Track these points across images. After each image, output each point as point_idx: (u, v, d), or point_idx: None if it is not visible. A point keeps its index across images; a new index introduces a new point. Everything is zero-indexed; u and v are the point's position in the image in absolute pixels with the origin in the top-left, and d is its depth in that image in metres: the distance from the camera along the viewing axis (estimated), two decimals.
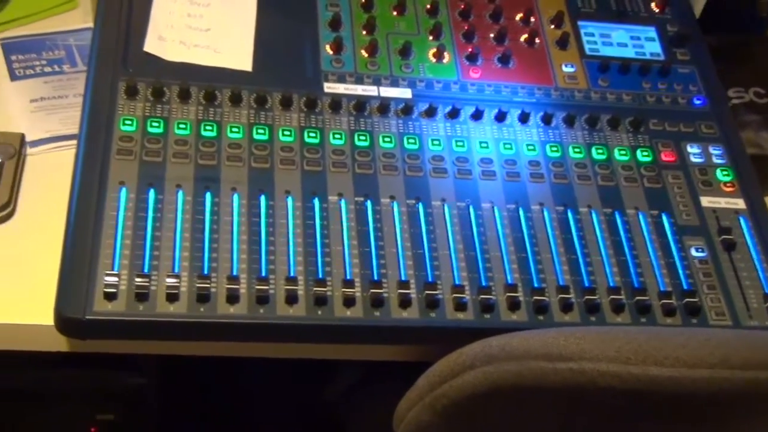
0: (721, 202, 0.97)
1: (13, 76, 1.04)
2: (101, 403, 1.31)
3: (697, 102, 1.06)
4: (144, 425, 1.32)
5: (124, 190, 0.84)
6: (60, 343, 0.82)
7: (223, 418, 1.32)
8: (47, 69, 1.05)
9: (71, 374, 1.17)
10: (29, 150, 0.97)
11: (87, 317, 0.76)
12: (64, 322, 0.77)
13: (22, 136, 0.95)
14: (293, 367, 0.99)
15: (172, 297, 0.79)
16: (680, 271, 0.91)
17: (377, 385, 1.16)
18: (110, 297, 0.78)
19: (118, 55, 0.94)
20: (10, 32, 1.08)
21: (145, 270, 0.80)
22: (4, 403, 1.16)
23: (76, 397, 1.28)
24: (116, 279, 0.78)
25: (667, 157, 1.00)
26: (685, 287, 0.89)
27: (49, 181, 0.93)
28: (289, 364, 0.92)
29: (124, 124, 0.89)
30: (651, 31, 1.12)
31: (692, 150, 1.01)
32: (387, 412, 0.83)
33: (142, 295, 0.78)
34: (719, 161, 1.01)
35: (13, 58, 1.05)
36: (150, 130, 0.89)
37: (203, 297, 0.79)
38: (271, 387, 1.28)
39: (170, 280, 0.79)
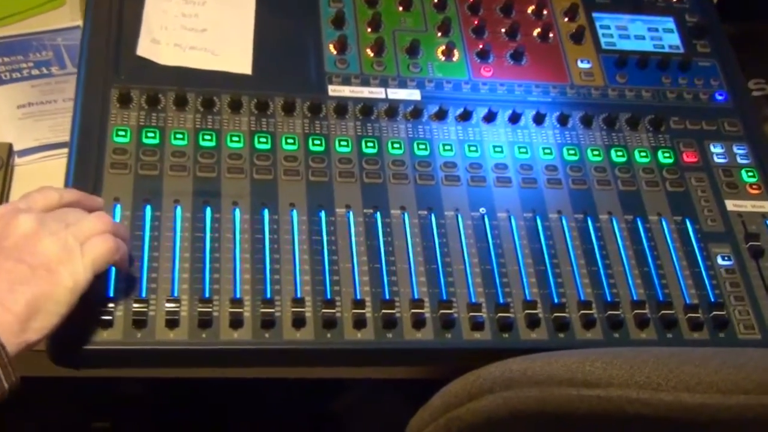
0: (747, 206, 0.93)
1: None
2: (97, 410, 1.28)
3: (719, 97, 1.01)
4: None
5: (118, 207, 0.80)
6: (52, 370, 0.77)
7: (221, 427, 1.29)
8: (35, 72, 1.00)
9: (67, 381, 1.14)
10: (17, 160, 0.92)
11: (82, 347, 0.72)
12: (57, 352, 0.72)
13: (10, 145, 0.90)
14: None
15: (172, 323, 0.74)
16: (706, 282, 0.86)
17: (382, 398, 1.12)
18: (106, 324, 0.73)
19: (109, 61, 0.89)
20: None
21: (143, 294, 0.75)
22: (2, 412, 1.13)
23: (73, 404, 1.25)
24: (112, 305, 0.74)
25: (689, 157, 0.95)
26: (711, 299, 0.85)
27: None
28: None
29: (118, 135, 0.84)
30: (669, 22, 1.07)
31: (715, 150, 0.96)
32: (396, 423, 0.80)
33: (139, 322, 0.73)
34: (744, 161, 0.96)
35: None
36: (145, 141, 0.84)
37: (205, 322, 0.75)
38: (273, 396, 1.25)
39: (169, 305, 0.75)
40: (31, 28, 1.04)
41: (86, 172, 0.81)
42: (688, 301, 0.84)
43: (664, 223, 0.89)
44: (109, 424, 1.28)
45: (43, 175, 0.90)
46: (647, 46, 1.04)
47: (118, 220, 0.79)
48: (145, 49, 0.90)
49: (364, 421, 1.24)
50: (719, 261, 0.88)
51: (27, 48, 1.02)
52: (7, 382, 0.62)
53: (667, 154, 0.95)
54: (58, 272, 0.65)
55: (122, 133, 0.84)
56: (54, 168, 0.90)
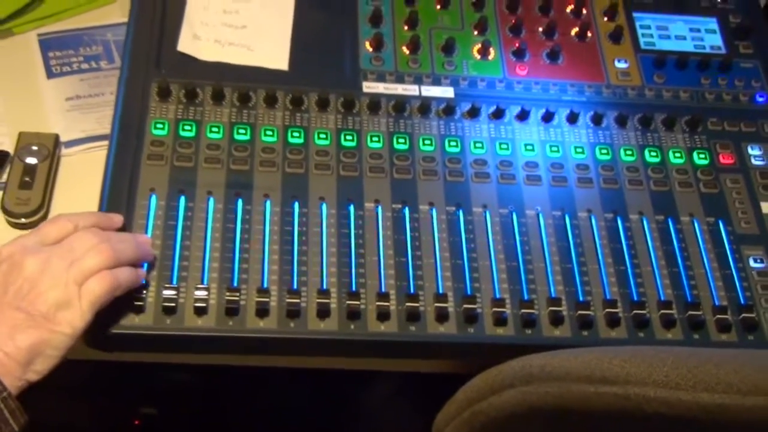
0: None
1: (50, 74, 1.02)
2: (145, 396, 1.31)
3: (760, 99, 1.00)
4: (186, 420, 1.31)
5: (154, 197, 0.82)
6: (87, 353, 0.80)
7: (265, 415, 1.31)
8: (84, 66, 1.03)
9: (116, 368, 1.17)
10: (64, 150, 0.95)
11: (113, 331, 0.75)
12: (91, 335, 0.75)
13: (56, 137, 0.93)
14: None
15: (201, 310, 0.76)
16: (737, 284, 0.85)
17: (414, 394, 1.13)
18: (138, 310, 0.76)
19: (151, 56, 0.91)
20: (47, 28, 1.06)
21: (174, 282, 0.78)
22: (51, 395, 1.16)
23: (121, 390, 1.28)
24: (144, 291, 0.76)
25: (725, 159, 0.94)
26: (741, 301, 0.84)
27: (84, 183, 0.91)
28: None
29: (156, 128, 0.86)
30: (712, 23, 1.06)
31: (753, 152, 0.95)
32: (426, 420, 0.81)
33: (169, 309, 0.76)
34: None
35: (50, 54, 1.04)
36: (182, 133, 0.87)
37: (232, 310, 0.77)
38: (309, 390, 1.26)
39: (199, 293, 0.77)
40: (83, 24, 1.08)
41: (124, 163, 0.84)
42: (716, 303, 0.84)
43: (695, 224, 0.89)
44: (156, 410, 1.31)
45: (88, 165, 0.94)
46: (688, 46, 1.03)
47: (153, 210, 0.81)
48: (185, 44, 0.93)
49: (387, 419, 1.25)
50: (751, 263, 0.87)
51: (78, 43, 1.06)
52: (17, 424, 0.66)
53: (702, 155, 0.94)
54: (56, 320, 0.68)
55: (160, 125, 0.87)
56: (98, 158, 0.92)
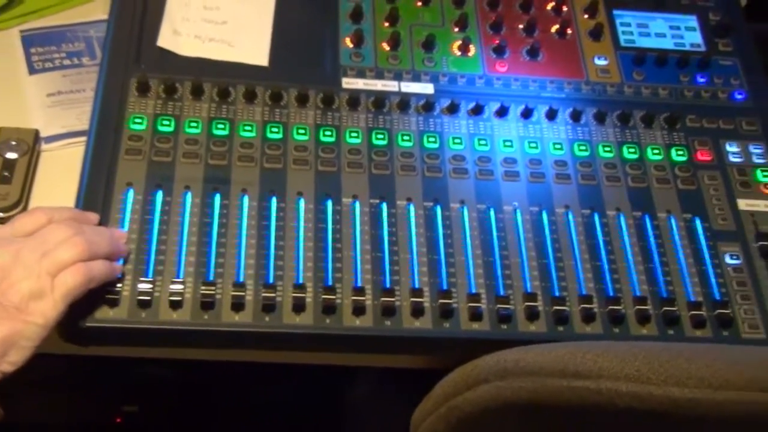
0: (760, 205, 0.92)
1: (32, 70, 1.02)
2: (126, 394, 1.31)
3: (738, 96, 1.00)
4: (168, 418, 1.32)
5: (131, 191, 0.82)
6: (63, 347, 0.80)
7: (247, 411, 1.31)
8: (66, 62, 1.03)
9: (96, 365, 1.17)
10: (45, 146, 0.95)
11: (87, 325, 0.75)
12: (65, 329, 0.75)
13: (36, 132, 0.93)
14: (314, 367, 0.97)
15: (176, 304, 0.77)
16: (712, 280, 0.86)
17: (396, 388, 1.13)
18: (112, 303, 0.76)
19: (130, 51, 0.92)
20: (30, 24, 1.06)
21: (149, 275, 0.78)
22: (30, 392, 1.16)
23: (102, 387, 1.29)
24: (119, 285, 0.77)
25: (703, 156, 0.95)
26: (716, 297, 0.85)
27: (64, 178, 0.91)
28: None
29: (134, 123, 0.87)
30: (692, 20, 1.06)
31: (731, 149, 0.96)
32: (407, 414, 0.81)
33: (144, 302, 0.76)
34: (760, 161, 0.95)
35: (33, 51, 1.04)
36: (160, 128, 0.87)
37: (207, 304, 0.77)
38: (294, 385, 1.27)
39: (174, 287, 0.77)
40: (65, 21, 1.08)
41: (102, 157, 0.84)
42: (691, 299, 0.84)
43: (672, 220, 0.89)
44: (138, 407, 1.31)
45: (68, 160, 0.94)
46: (667, 44, 1.04)
47: (130, 204, 0.82)
48: (165, 40, 0.93)
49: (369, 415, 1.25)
50: (727, 260, 0.87)
51: (60, 39, 1.06)
52: None
53: (680, 152, 0.94)
54: (28, 311, 0.68)
55: (139, 120, 0.87)
56: (78, 154, 0.92)
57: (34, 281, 0.69)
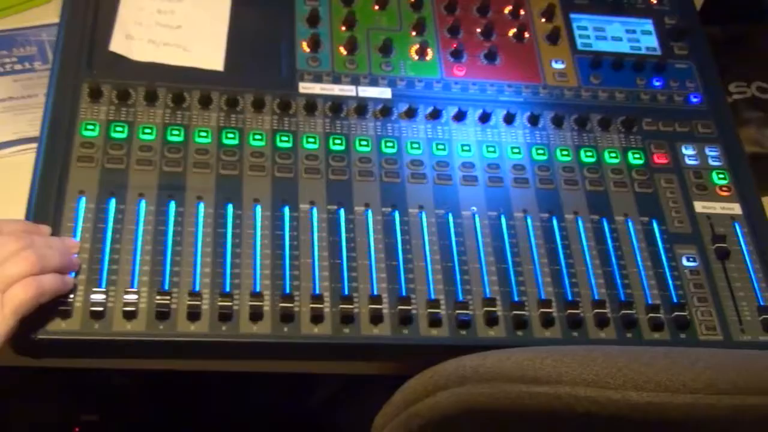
0: (716, 208, 0.93)
1: None
2: (86, 403, 1.29)
3: (694, 100, 1.01)
4: (129, 427, 1.30)
5: (83, 199, 0.81)
6: (16, 359, 0.78)
7: (207, 419, 1.29)
8: (17, 67, 1.01)
9: (56, 374, 1.15)
10: None
11: (39, 337, 0.73)
12: (17, 341, 0.73)
13: None
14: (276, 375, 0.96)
15: (130, 314, 0.75)
16: (669, 283, 0.86)
17: (359, 392, 1.13)
18: (65, 315, 0.74)
19: (82, 56, 0.90)
20: None
21: (102, 285, 0.76)
22: None
23: (61, 397, 1.26)
24: (71, 296, 0.75)
25: (659, 159, 0.95)
26: (674, 300, 0.85)
27: (15, 185, 0.89)
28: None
29: (86, 130, 0.85)
30: (647, 24, 1.07)
31: (687, 151, 0.96)
32: (369, 419, 0.80)
33: (97, 313, 0.75)
34: (715, 163, 0.96)
35: None
36: (113, 135, 0.85)
37: (162, 314, 0.76)
38: (257, 392, 1.25)
39: (128, 297, 0.76)
40: (16, 24, 1.06)
41: (53, 165, 0.82)
42: (649, 302, 0.85)
43: (629, 223, 0.89)
44: (98, 416, 1.29)
45: (20, 168, 0.92)
46: (624, 47, 1.04)
47: (82, 213, 0.80)
48: (118, 44, 0.91)
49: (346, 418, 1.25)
50: (684, 262, 0.88)
51: (11, 43, 1.04)
52: None
53: (637, 155, 0.95)
54: None
55: (91, 127, 0.85)
56: (30, 161, 0.90)
57: None
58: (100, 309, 0.75)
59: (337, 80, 0.94)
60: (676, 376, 0.66)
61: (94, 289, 0.76)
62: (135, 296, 0.76)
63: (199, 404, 1.30)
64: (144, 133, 0.86)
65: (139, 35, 0.93)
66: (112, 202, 0.81)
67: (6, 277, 0.69)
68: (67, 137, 0.84)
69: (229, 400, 1.28)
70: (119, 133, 0.85)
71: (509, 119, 0.94)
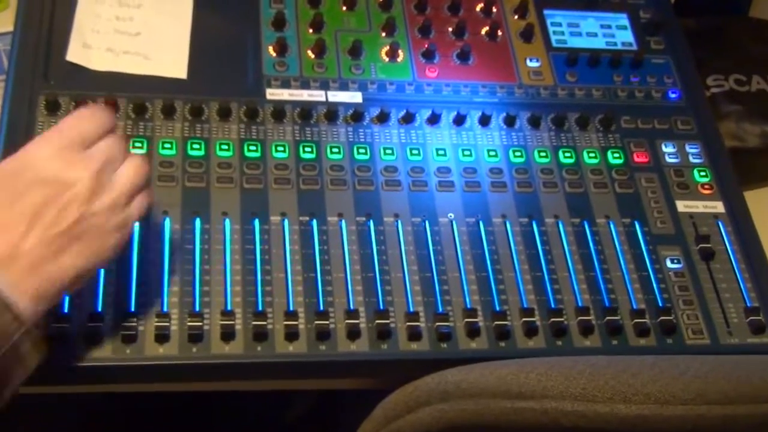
0: (699, 206, 0.90)
1: None
2: (65, 427, 1.25)
3: (672, 95, 0.99)
4: None
5: None
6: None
7: None
8: None
9: (34, 398, 1.11)
10: None
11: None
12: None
13: None
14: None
15: (91, 340, 0.71)
16: (654, 286, 0.84)
17: (336, 408, 1.10)
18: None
19: (38, 66, 0.86)
20: None
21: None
22: None
23: (40, 420, 1.22)
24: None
25: (639, 158, 0.93)
26: (659, 304, 0.83)
27: None
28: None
29: None
30: (623, 19, 1.04)
31: (667, 149, 0.94)
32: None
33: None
34: (696, 160, 0.94)
35: None
36: None
37: (129, 337, 0.72)
38: (230, 412, 1.22)
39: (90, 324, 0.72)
40: None
41: None
42: (634, 307, 0.82)
43: (611, 226, 0.87)
44: None
45: None
46: (599, 43, 1.02)
47: None
48: (75, 54, 0.87)
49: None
50: (668, 264, 0.86)
51: None
52: (39, 352, 0.64)
53: (616, 155, 0.92)
54: (107, 247, 0.66)
55: None
56: None
57: (114, 216, 0.66)
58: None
59: (305, 85, 0.91)
60: (665, 387, 0.64)
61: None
62: (99, 323, 0.72)
63: (170, 427, 1.27)
64: None
65: (97, 44, 0.89)
66: None
67: (128, 192, 0.68)
68: None
69: (206, 419, 1.25)
70: None
71: (485, 121, 0.92)
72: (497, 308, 0.80)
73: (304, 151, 0.86)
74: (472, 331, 0.78)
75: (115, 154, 0.68)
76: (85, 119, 0.68)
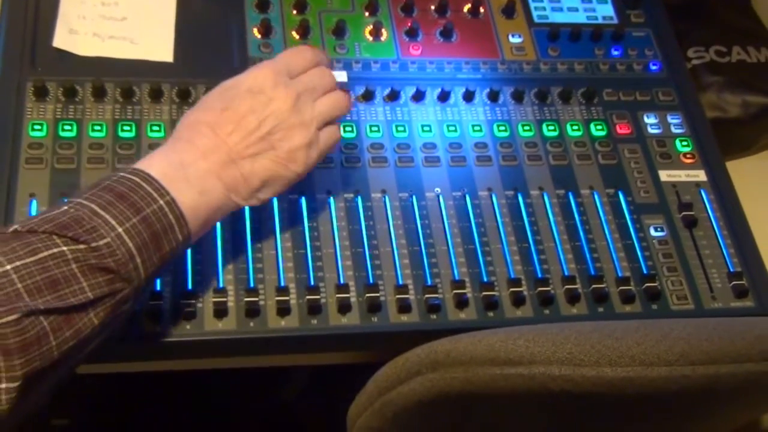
0: (681, 175, 0.92)
1: None
2: (56, 407, 1.26)
3: (654, 67, 1.00)
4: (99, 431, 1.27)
5: (34, 202, 0.78)
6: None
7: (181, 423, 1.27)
8: None
9: None
10: None
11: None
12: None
13: None
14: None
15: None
16: (639, 254, 0.85)
17: (333, 382, 1.11)
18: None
19: (25, 53, 0.87)
20: None
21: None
22: None
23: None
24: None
25: (622, 129, 0.94)
26: (644, 271, 0.84)
27: None
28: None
29: (33, 130, 0.82)
30: None
31: (649, 120, 0.95)
32: (345, 408, 0.79)
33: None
34: (678, 131, 0.95)
35: None
36: (62, 134, 0.82)
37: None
38: (229, 391, 1.24)
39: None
40: None
41: (1, 168, 0.79)
42: (620, 274, 0.84)
43: (596, 196, 0.88)
44: (68, 421, 1.27)
45: None
46: (580, 17, 1.03)
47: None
48: (62, 40, 0.88)
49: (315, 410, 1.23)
50: (652, 232, 0.87)
51: None
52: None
53: (599, 127, 0.94)
54: (294, 158, 0.72)
55: (38, 127, 0.82)
56: None
57: (306, 133, 0.73)
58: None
59: None
60: (649, 349, 0.65)
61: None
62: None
63: (170, 406, 1.28)
64: (94, 130, 0.83)
65: (83, 29, 0.89)
66: None
67: (325, 117, 0.75)
68: (14, 139, 0.81)
69: (199, 399, 1.26)
70: (68, 131, 0.83)
71: (469, 97, 0.93)
72: (485, 279, 0.81)
73: None
74: (461, 302, 0.79)
75: (316, 85, 0.75)
76: (294, 54, 0.76)
